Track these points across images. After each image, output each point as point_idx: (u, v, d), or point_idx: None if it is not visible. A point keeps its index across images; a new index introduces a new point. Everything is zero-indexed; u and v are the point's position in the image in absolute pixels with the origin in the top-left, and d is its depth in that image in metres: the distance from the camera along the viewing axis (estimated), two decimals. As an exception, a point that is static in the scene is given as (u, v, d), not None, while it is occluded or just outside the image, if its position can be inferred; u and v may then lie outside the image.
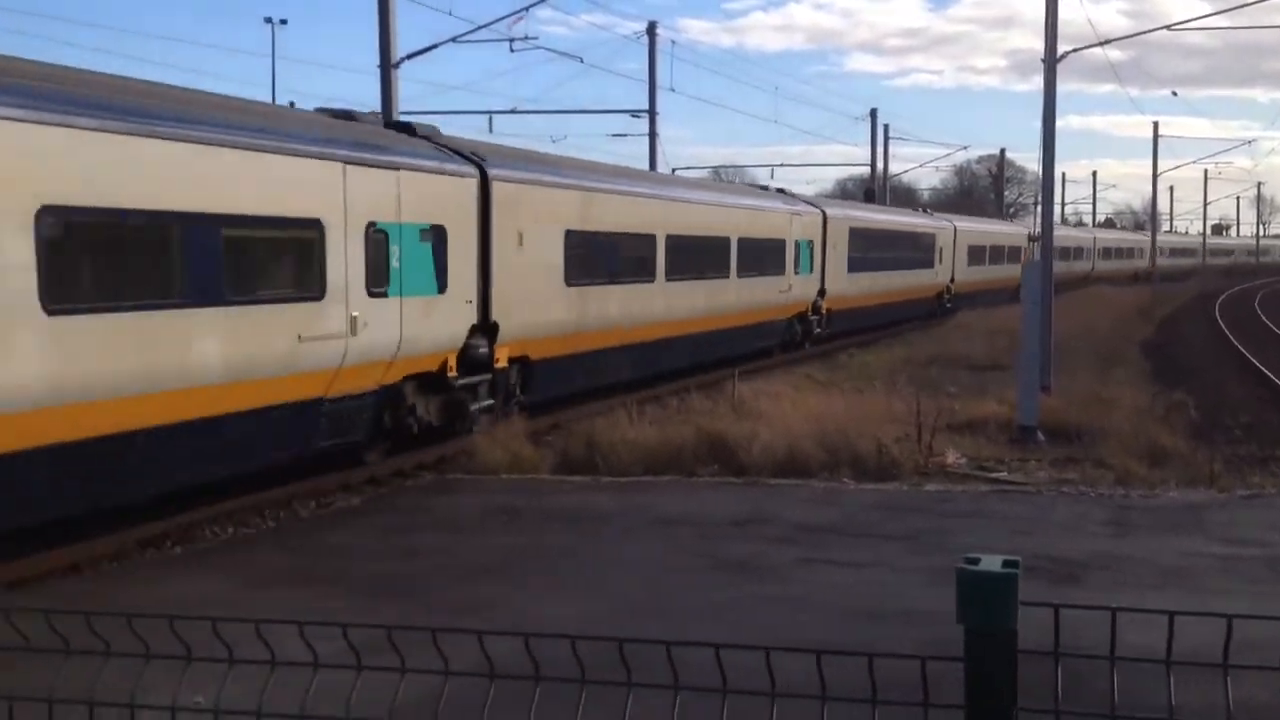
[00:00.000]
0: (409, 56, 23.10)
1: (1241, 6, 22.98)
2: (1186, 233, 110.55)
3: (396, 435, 14.20)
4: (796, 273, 27.39)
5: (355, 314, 12.77)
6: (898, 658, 2.16)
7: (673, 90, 56.46)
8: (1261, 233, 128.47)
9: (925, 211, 43.84)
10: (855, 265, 31.61)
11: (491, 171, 15.41)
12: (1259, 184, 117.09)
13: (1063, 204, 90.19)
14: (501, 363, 15.76)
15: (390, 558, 9.76)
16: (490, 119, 34.87)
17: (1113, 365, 24.33)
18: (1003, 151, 78.03)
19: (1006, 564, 2.01)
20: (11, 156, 8.97)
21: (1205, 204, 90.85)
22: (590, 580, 9.02)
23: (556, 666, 2.37)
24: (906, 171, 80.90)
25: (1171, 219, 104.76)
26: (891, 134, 56.78)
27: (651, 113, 36.49)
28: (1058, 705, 2.03)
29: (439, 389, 14.75)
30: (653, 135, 36.66)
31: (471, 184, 15.06)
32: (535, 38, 27.94)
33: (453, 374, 14.72)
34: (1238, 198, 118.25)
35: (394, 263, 13.47)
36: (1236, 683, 2.29)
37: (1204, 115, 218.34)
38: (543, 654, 2.32)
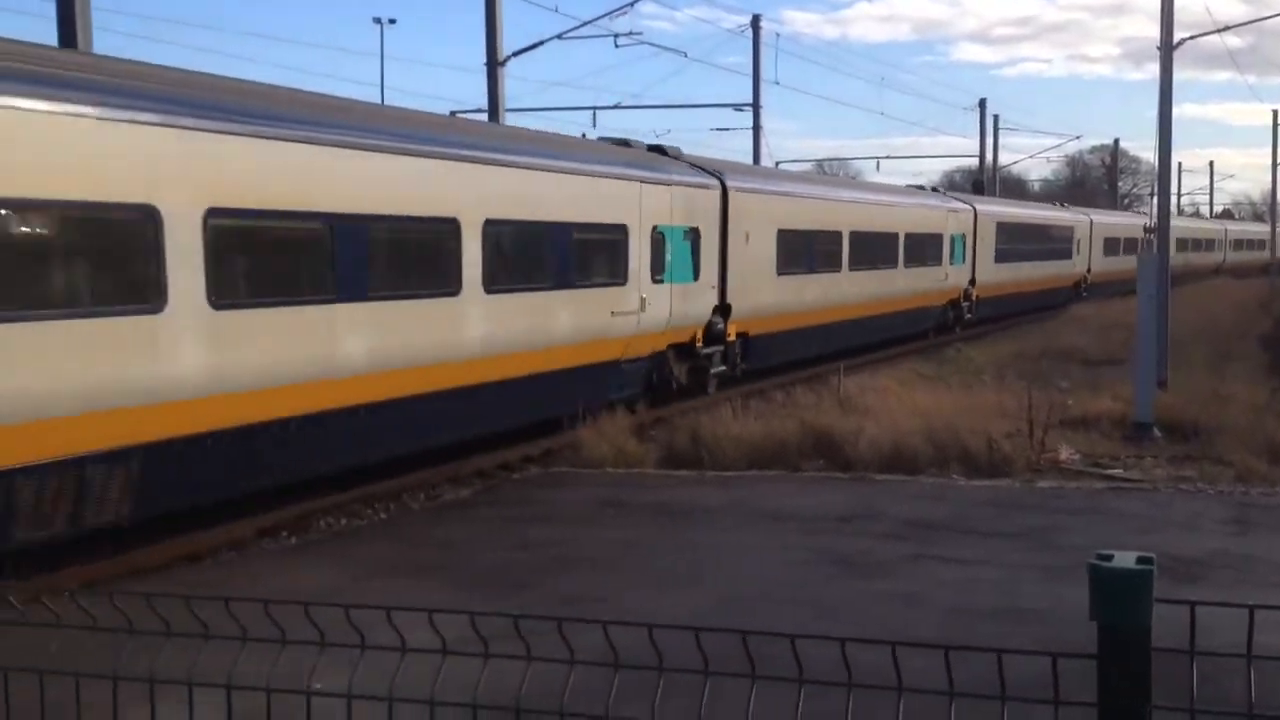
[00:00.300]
0: (516, 54, 23.33)
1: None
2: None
3: (658, 391, 17.93)
4: (951, 263, 30.93)
5: (644, 296, 16.79)
6: (1028, 654, 2.13)
7: (777, 83, 56.03)
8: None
9: (1063, 206, 46.96)
10: (1002, 256, 35.04)
11: (729, 183, 19.33)
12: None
13: (1179, 194, 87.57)
14: (731, 337, 19.54)
15: (498, 549, 9.88)
16: (594, 114, 35.16)
17: (1231, 360, 23.58)
18: (1116, 141, 76.41)
19: (1140, 560, 1.97)
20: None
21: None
22: (696, 575, 9.03)
23: (675, 658, 2.39)
24: (1016, 162, 79.51)
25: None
26: (1001, 124, 55.81)
27: (756, 106, 36.33)
28: (1193, 704, 1.99)
29: (689, 357, 18.63)
30: (757, 129, 36.52)
31: (716, 194, 19.01)
32: (639, 33, 27.95)
33: (699, 345, 18.57)
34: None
35: (667, 257, 17.51)
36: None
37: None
38: (660, 645, 2.34)
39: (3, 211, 8.46)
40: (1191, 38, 22.96)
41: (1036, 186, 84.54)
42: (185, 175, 9.70)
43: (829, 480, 12.87)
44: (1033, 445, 13.51)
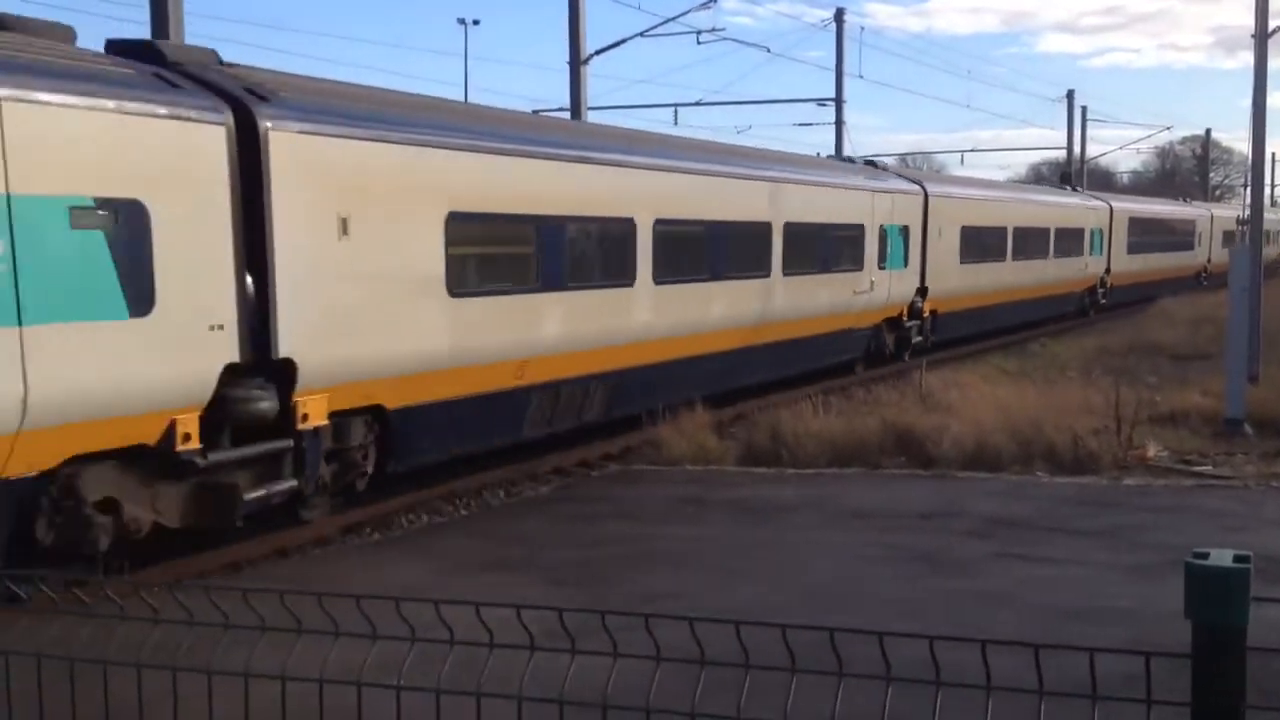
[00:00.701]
0: (598, 52, 23.43)
1: None
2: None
3: (873, 357, 22.62)
4: (1090, 254, 35.06)
5: (873, 279, 21.46)
6: (1122, 653, 2.10)
7: (860, 77, 55.61)
8: None
9: (1187, 201, 50.98)
10: (1133, 248, 39.04)
11: (929, 189, 24.27)
12: None
13: (1273, 186, 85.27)
14: (926, 314, 24.32)
15: (578, 546, 9.94)
16: (675, 111, 35.12)
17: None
18: (1208, 132, 74.53)
19: (1237, 559, 1.94)
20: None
21: None
22: (776, 572, 9.00)
23: (760, 655, 2.39)
24: (1105, 154, 77.82)
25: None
26: (1089, 115, 54.77)
27: (839, 100, 36.05)
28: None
29: (896, 329, 23.40)
30: (839, 123, 36.23)
31: (919, 199, 23.73)
32: (722, 29, 27.88)
33: (905, 319, 23.40)
34: None
35: (888, 249, 22.08)
36: None
37: None
38: (748, 642, 2.34)
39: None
40: (1286, 24, 22.33)
41: (1125, 178, 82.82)
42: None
43: (910, 477, 12.75)
44: (1119, 442, 13.26)
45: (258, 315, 9.62)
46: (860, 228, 21.11)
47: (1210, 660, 1.91)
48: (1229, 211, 54.41)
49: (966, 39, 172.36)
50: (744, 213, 17.41)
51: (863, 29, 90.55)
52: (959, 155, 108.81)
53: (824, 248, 19.92)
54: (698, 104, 36.63)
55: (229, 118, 9.34)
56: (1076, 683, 2.25)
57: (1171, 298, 36.69)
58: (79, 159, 8.23)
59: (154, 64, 9.40)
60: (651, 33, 25.11)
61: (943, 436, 13.50)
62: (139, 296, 8.61)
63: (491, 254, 12.68)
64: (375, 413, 11.14)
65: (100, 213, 8.35)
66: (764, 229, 17.92)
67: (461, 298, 11.84)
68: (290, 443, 10.05)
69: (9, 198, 7.75)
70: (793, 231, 18.52)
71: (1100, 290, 36.41)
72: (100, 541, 8.67)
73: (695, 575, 8.90)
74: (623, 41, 24.13)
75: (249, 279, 9.52)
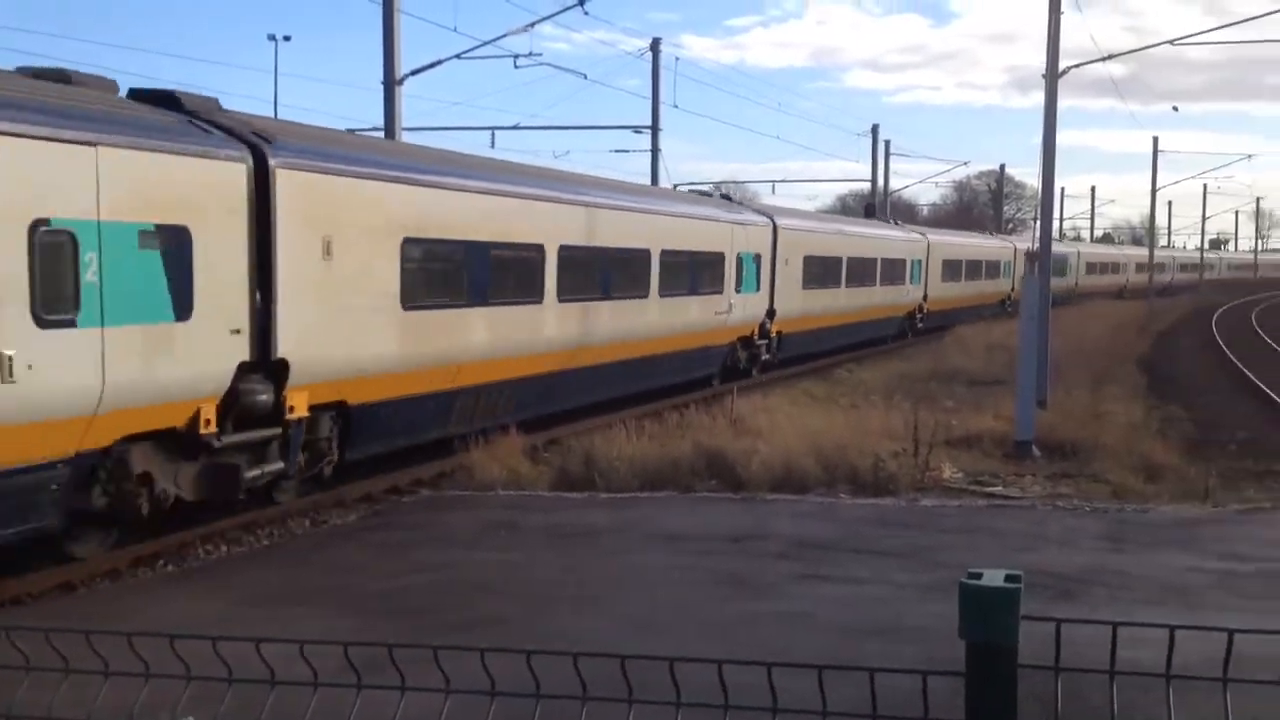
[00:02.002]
0: (413, 73, 23.14)
1: (1243, 21, 23.11)
2: (1185, 247, 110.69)
3: (728, 372, 24.69)
4: (911, 283, 38.73)
5: (731, 302, 24.16)
6: (899, 672, 2.16)
7: (675, 106, 56.50)
8: (1260, 247, 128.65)
9: (992, 234, 55.34)
10: (947, 277, 43.07)
11: (777, 221, 27.05)
12: (1258, 199, 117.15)
13: (1061, 219, 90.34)
14: (774, 333, 26.81)
15: (387, 575, 9.73)
16: (493, 135, 34.95)
17: (1109, 380, 24.35)
18: (1002, 167, 78.33)
19: (1009, 579, 2.01)
20: None
21: (1204, 219, 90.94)
22: (589, 596, 9.00)
23: (558, 683, 2.37)
24: (907, 187, 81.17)
25: (1170, 234, 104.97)
26: (892, 150, 56.88)
27: (654, 129, 36.54)
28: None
29: (748, 347, 25.99)
30: (655, 151, 36.70)
31: (769, 230, 26.41)
32: (539, 54, 27.96)
33: (756, 338, 25.75)
34: (1236, 212, 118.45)
35: (743, 274, 24.65)
36: (1235, 698, 2.29)
37: (1204, 129, 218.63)
38: (543, 671, 2.32)
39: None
40: (1076, 66, 23.64)
41: (926, 210, 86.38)
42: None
43: (720, 500, 12.95)
44: (918, 464, 13.77)
45: (263, 322, 11.50)
46: (722, 255, 23.59)
47: (983, 678, 1.97)
48: (956, 239, 54.00)
49: (777, 72, 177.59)
50: (630, 240, 19.85)
51: (677, 59, 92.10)
52: (770, 185, 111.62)
53: (693, 272, 22.27)
54: (515, 128, 36.64)
55: (249, 157, 11.31)
56: (866, 702, 2.30)
57: (969, 326, 38.67)
58: (146, 192, 10.14)
59: (175, 110, 11.17)
60: (468, 55, 24.99)
61: (752, 460, 13.76)
62: (182, 304, 10.55)
63: (434, 273, 14.69)
64: (339, 408, 12.95)
65: (158, 236, 10.28)
66: (645, 255, 20.45)
67: (411, 310, 13.94)
68: (279, 430, 11.88)
69: (99, 224, 9.66)
70: (668, 258, 21.04)
71: (919, 315, 40.16)
72: (142, 509, 10.52)
73: (507, 602, 8.81)
74: (439, 63, 23.87)
75: (258, 292, 11.42)
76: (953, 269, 44.10)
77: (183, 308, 10.49)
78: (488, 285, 15.55)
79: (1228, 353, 34.07)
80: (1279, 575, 9.38)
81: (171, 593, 9.43)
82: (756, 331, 25.56)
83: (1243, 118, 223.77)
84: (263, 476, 11.68)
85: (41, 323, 9.16)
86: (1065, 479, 14.16)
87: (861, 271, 32.82)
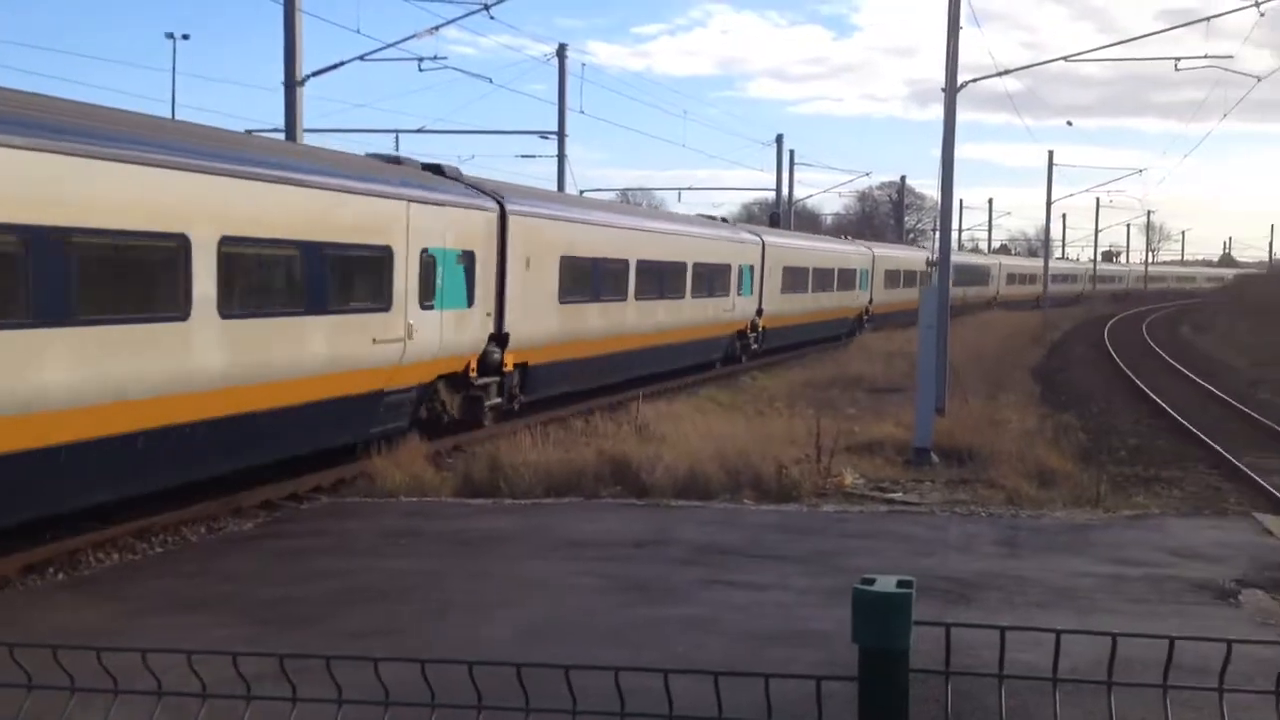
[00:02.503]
0: (315, 74, 22.82)
1: (1133, 39, 23.79)
2: (1078, 259, 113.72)
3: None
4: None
5: (735, 302, 30.28)
6: (793, 678, 2.18)
7: (582, 112, 56.41)
8: (1151, 259, 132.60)
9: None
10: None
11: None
12: (1149, 212, 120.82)
13: (959, 230, 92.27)
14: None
15: (285, 583, 9.57)
16: (397, 138, 34.70)
17: (1005, 388, 24.90)
18: (903, 178, 79.83)
19: (901, 584, 2.04)
20: None
21: (1096, 231, 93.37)
22: (491, 604, 8.94)
23: (456, 693, 2.35)
24: (811, 196, 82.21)
25: (1064, 245, 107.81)
26: (796, 159, 57.48)
27: (561, 134, 36.50)
28: (948, 723, 2.07)
29: (743, 339, 31.69)
30: (561, 157, 36.68)
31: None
32: (444, 57, 27.68)
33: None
34: (1128, 225, 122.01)
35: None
36: (1121, 699, 2.34)
37: (1097, 144, 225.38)
38: (441, 680, 2.30)
39: None
40: (974, 80, 24.17)
41: (829, 220, 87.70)
42: None
43: (625, 507, 12.96)
44: (820, 470, 13.93)
45: (498, 310, 18.07)
46: (729, 266, 29.83)
47: (875, 683, 2.00)
48: (894, 251, 54.36)
49: (684, 80, 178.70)
50: (675, 256, 26.26)
51: (584, 65, 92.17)
52: (676, 192, 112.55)
53: (710, 280, 28.27)
54: (420, 131, 36.34)
55: (497, 209, 18.10)
56: (776, 707, 2.32)
57: (857, 337, 40.05)
58: (460, 231, 16.95)
59: (442, 175, 17.59)
60: (371, 57, 24.72)
61: (656, 466, 13.80)
62: (469, 298, 17.23)
63: (577, 278, 21.10)
64: (521, 367, 19.10)
65: (463, 257, 17.01)
66: (683, 267, 26.72)
67: (564, 304, 20.56)
68: (499, 378, 18.42)
69: (445, 250, 16.48)
70: (697, 269, 27.23)
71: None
72: (443, 419, 17.13)
73: (407, 610, 8.71)
74: (341, 64, 23.56)
75: (496, 291, 17.82)
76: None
77: (470, 300, 17.15)
78: (600, 287, 22.18)
79: (1118, 361, 35.07)
80: (1165, 579, 9.65)
81: (61, 601, 9.15)
82: (749, 326, 31.85)
83: (1133, 133, 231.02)
84: (495, 405, 18.35)
85: (422, 306, 15.68)
86: (963, 485, 14.44)
87: (822, 279, 39.21)
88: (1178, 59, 26.20)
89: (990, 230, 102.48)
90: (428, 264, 16.08)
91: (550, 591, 9.30)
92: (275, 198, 12.92)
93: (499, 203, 18.36)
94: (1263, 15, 22.48)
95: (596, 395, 22.33)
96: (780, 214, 50.14)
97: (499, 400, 18.68)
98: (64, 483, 10.35)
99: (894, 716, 1.97)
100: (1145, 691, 2.35)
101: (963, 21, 20.17)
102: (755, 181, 77.01)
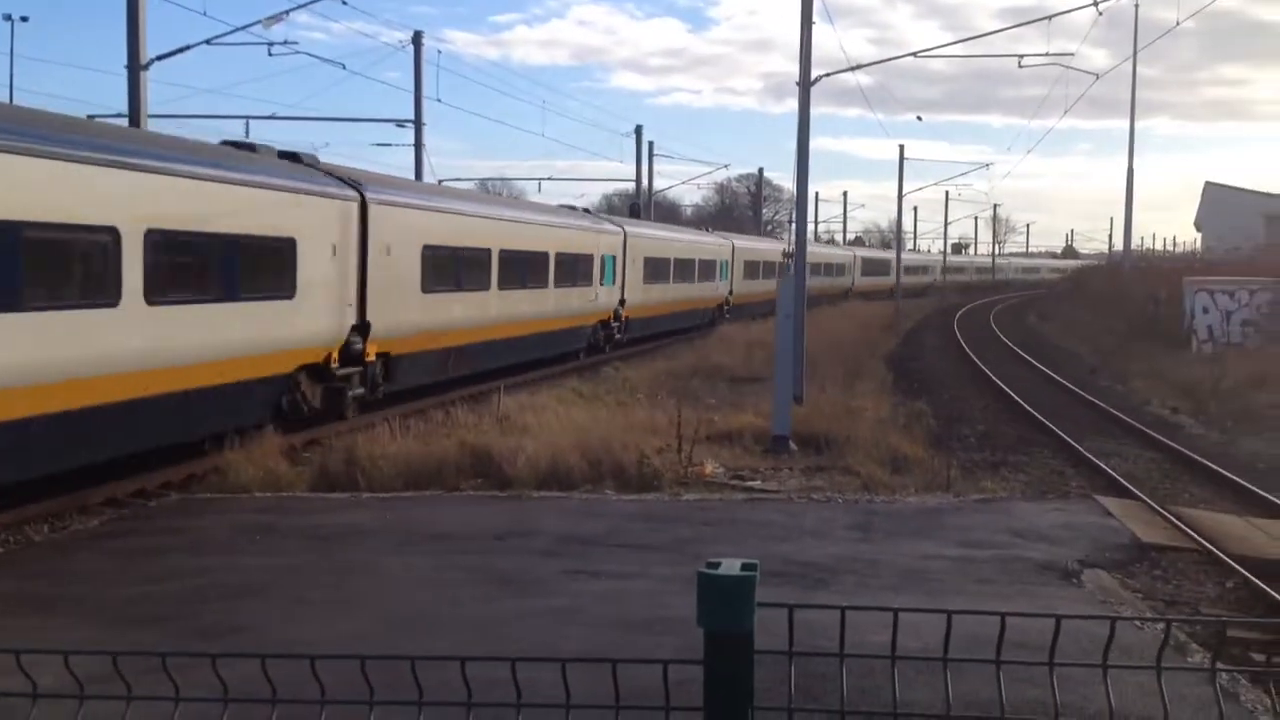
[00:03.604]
0: (160, 58, 22.12)
1: (979, 36, 24.59)
2: (929, 251, 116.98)
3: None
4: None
5: (597, 292, 30.55)
6: (640, 663, 2.20)
7: (439, 101, 55.80)
8: (997, 251, 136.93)
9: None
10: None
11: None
12: (995, 205, 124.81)
13: (816, 222, 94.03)
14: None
15: (135, 582, 9.27)
16: (247, 124, 33.77)
17: (860, 376, 25.48)
18: (761, 171, 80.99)
19: (745, 567, 2.08)
20: None
21: (946, 224, 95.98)
22: (349, 599, 8.80)
23: (305, 688, 2.31)
24: (671, 188, 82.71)
25: (915, 237, 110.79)
26: (656, 151, 57.83)
27: (418, 123, 36.05)
28: (790, 703, 2.11)
29: (606, 329, 32.25)
30: (419, 145, 36.23)
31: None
32: (295, 42, 27.07)
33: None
34: (975, 218, 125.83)
35: (605, 271, 31.39)
36: (962, 676, 2.43)
37: (945, 139, 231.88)
38: (290, 676, 2.25)
39: None
40: (827, 75, 24.76)
41: (689, 211, 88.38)
42: None
43: (486, 499, 12.89)
44: (681, 459, 14.06)
45: (360, 299, 17.91)
46: (591, 256, 29.91)
47: (720, 665, 2.04)
48: (753, 243, 55.13)
49: (542, 70, 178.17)
50: (537, 246, 26.35)
51: (440, 53, 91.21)
52: (537, 183, 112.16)
53: (574, 269, 28.38)
54: (271, 118, 35.45)
55: (358, 198, 17.96)
56: (635, 693, 2.34)
57: (717, 327, 40.41)
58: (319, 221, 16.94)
59: (300, 164, 17.35)
60: (219, 41, 24.08)
61: (518, 457, 13.76)
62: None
63: (440, 268, 21.04)
64: (384, 357, 19.03)
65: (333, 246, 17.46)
66: (545, 257, 26.59)
67: (428, 294, 20.31)
68: (362, 368, 18.20)
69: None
70: (561, 258, 27.41)
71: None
72: (304, 410, 17.05)
73: (265, 607, 8.53)
74: (187, 48, 22.87)
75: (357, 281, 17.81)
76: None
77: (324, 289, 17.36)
78: (463, 276, 22.01)
79: (967, 350, 36.20)
80: (1012, 560, 10.01)
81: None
82: (613, 316, 32.27)
83: (980, 128, 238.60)
84: (356, 395, 18.13)
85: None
86: (820, 472, 14.73)
87: (684, 270, 40.11)
88: (1021, 56, 27.23)
89: (845, 222, 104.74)
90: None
91: (411, 585, 9.20)
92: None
93: (359, 191, 18.23)
94: (1101, 15, 23.47)
95: (461, 385, 22.34)
96: (640, 205, 50.38)
97: (361, 391, 18.52)
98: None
99: (739, 697, 2.00)
100: (992, 668, 2.43)
101: (815, 17, 20.58)
102: (616, 173, 77.34)
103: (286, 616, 8.27)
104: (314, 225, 16.83)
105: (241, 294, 15.07)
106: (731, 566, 2.06)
